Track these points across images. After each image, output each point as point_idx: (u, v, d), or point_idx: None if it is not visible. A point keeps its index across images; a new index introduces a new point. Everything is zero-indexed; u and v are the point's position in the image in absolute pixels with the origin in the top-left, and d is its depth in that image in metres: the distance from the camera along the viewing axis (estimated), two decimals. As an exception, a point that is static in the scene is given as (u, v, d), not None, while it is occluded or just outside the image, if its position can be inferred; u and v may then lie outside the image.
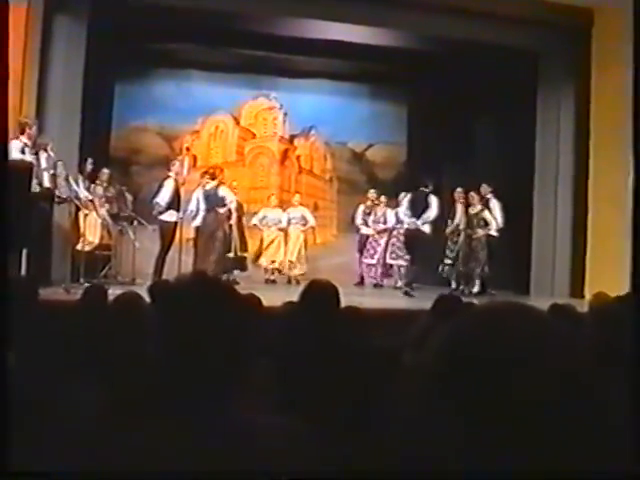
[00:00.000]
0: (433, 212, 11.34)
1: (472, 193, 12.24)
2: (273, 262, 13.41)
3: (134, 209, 11.86)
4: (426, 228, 11.37)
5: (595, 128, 11.82)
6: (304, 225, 13.73)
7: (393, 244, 13.09)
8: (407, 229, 11.61)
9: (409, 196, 11.68)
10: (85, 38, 10.65)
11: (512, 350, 0.93)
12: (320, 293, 3.90)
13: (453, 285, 12.37)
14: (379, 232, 13.39)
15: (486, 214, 12.05)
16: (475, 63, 12.75)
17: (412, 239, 11.56)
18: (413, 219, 11.36)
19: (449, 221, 12.53)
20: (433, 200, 11.39)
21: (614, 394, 1.37)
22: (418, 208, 11.36)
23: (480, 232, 12.00)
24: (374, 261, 13.33)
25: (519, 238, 12.29)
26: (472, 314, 1.00)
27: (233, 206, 11.94)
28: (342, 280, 11.00)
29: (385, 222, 13.30)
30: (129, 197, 12.01)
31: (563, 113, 12.27)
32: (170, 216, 11.17)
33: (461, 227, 12.32)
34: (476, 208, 12.15)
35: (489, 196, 12.15)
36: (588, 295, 9.98)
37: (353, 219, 14.00)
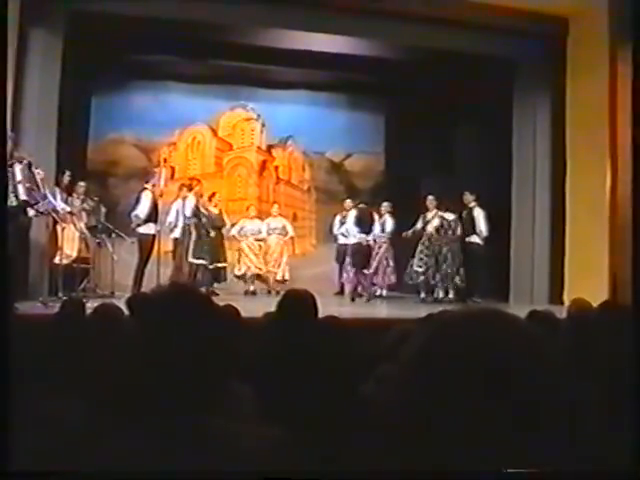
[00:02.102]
0: (377, 227, 12.75)
1: (432, 199, 12.31)
2: (252, 273, 13.41)
3: (112, 221, 11.79)
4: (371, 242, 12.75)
5: (571, 135, 11.91)
6: (285, 235, 13.79)
7: (377, 253, 13.11)
8: (357, 243, 12.64)
9: (354, 212, 12.84)
10: (61, 50, 10.60)
11: (487, 356, 0.94)
12: (297, 303, 3.89)
13: (422, 294, 12.34)
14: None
15: (454, 220, 12.12)
16: (452, 72, 12.80)
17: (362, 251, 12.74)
18: (363, 235, 12.54)
19: (413, 227, 12.59)
20: (375, 216, 12.76)
21: (593, 398, 1.38)
22: (364, 224, 12.61)
23: (452, 238, 12.06)
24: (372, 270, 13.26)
25: (498, 246, 12.33)
26: (447, 320, 1.01)
27: (188, 214, 11.79)
28: (322, 290, 11.05)
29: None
30: (103, 210, 11.93)
31: (539, 121, 12.34)
32: (148, 228, 11.15)
33: (433, 234, 12.30)
34: (450, 215, 12.19)
35: (472, 205, 12.18)
36: (567, 301, 10.04)
37: (331, 229, 14.01)
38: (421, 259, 12.27)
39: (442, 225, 12.21)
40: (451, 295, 12.06)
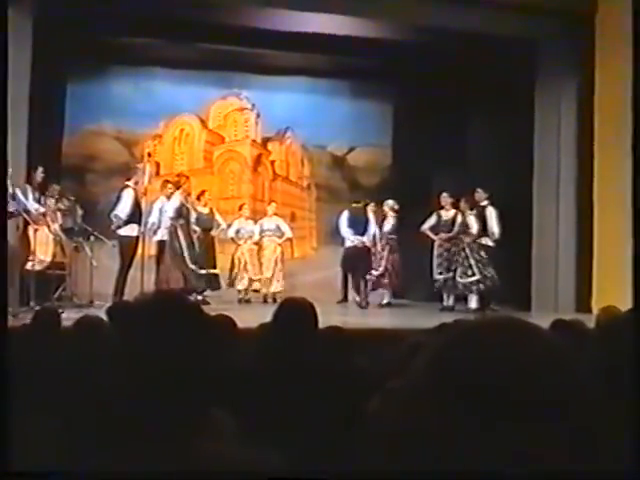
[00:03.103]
0: (373, 227, 13.02)
1: (463, 199, 12.28)
2: (248, 279, 13.37)
3: (90, 223, 11.75)
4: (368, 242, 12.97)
5: (600, 125, 11.89)
6: (280, 237, 13.70)
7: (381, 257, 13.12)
8: (352, 246, 12.91)
9: (347, 213, 13.03)
10: (31, 33, 10.59)
11: (506, 370, 0.94)
12: (295, 312, 3.88)
13: (446, 301, 12.35)
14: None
15: (471, 220, 12.06)
16: (467, 55, 12.79)
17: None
18: (357, 236, 12.77)
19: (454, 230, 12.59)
20: (370, 214, 13.02)
21: (624, 415, 1.37)
22: (358, 224, 12.86)
23: (468, 240, 12.03)
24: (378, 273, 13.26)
25: (517, 248, 12.30)
26: (460, 331, 1.00)
27: (171, 214, 11.72)
28: (324, 297, 11.04)
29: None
30: (79, 211, 11.89)
31: (564, 109, 12.31)
32: (130, 230, 11.14)
33: (452, 235, 12.34)
34: (464, 214, 12.17)
35: (484, 203, 12.13)
36: (596, 309, 10.01)
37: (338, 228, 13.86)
38: (442, 264, 12.32)
39: (459, 225, 12.23)
40: (474, 303, 12.01)
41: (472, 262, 12.01)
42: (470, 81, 13.46)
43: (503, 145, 13.42)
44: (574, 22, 12.02)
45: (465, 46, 12.41)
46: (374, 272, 12.95)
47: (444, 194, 12.64)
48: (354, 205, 13.15)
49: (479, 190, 12.22)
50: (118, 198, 11.34)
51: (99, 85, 14.33)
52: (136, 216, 11.19)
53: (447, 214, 12.60)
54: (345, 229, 12.94)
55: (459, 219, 12.39)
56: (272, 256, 13.53)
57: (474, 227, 12.01)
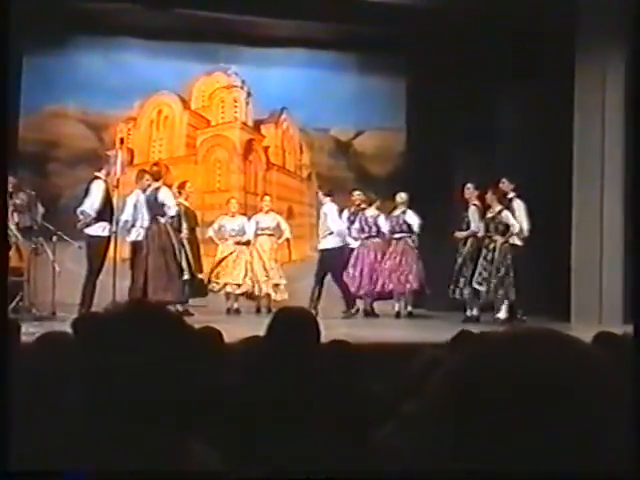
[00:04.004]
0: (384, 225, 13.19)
1: (490, 191, 12.25)
2: (235, 286, 13.35)
3: (53, 220, 11.72)
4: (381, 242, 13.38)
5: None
6: (279, 237, 13.67)
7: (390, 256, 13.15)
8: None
9: (334, 206, 13.32)
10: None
11: (542, 391, 0.94)
12: (293, 324, 3.87)
13: (469, 311, 12.35)
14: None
15: (506, 216, 12.03)
16: (494, 21, 12.77)
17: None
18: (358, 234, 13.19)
19: (470, 229, 12.58)
20: (373, 210, 13.34)
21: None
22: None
23: (500, 240, 12.01)
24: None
25: (554, 248, 12.30)
26: (485, 345, 1.01)
27: (173, 212, 11.73)
28: (327, 307, 11.04)
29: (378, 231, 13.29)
30: (39, 207, 11.82)
31: (610, 83, 12.27)
32: (100, 229, 11.13)
33: (479, 235, 12.32)
34: (494, 210, 12.16)
35: (511, 195, 12.13)
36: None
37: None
38: (467, 268, 12.34)
39: (486, 222, 12.22)
40: (503, 313, 12.02)
41: (496, 265, 12.03)
42: (497, 52, 13.43)
43: (536, 127, 13.39)
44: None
45: (492, 9, 12.37)
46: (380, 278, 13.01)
47: (469, 185, 12.60)
48: (327, 196, 13.44)
49: (504, 180, 12.21)
50: (86, 191, 11.32)
51: (62, 57, 14.32)
52: (107, 213, 11.18)
53: (472, 209, 12.57)
54: (340, 223, 13.15)
55: (475, 216, 12.41)
56: (271, 258, 13.50)
57: (511, 225, 11.99)
